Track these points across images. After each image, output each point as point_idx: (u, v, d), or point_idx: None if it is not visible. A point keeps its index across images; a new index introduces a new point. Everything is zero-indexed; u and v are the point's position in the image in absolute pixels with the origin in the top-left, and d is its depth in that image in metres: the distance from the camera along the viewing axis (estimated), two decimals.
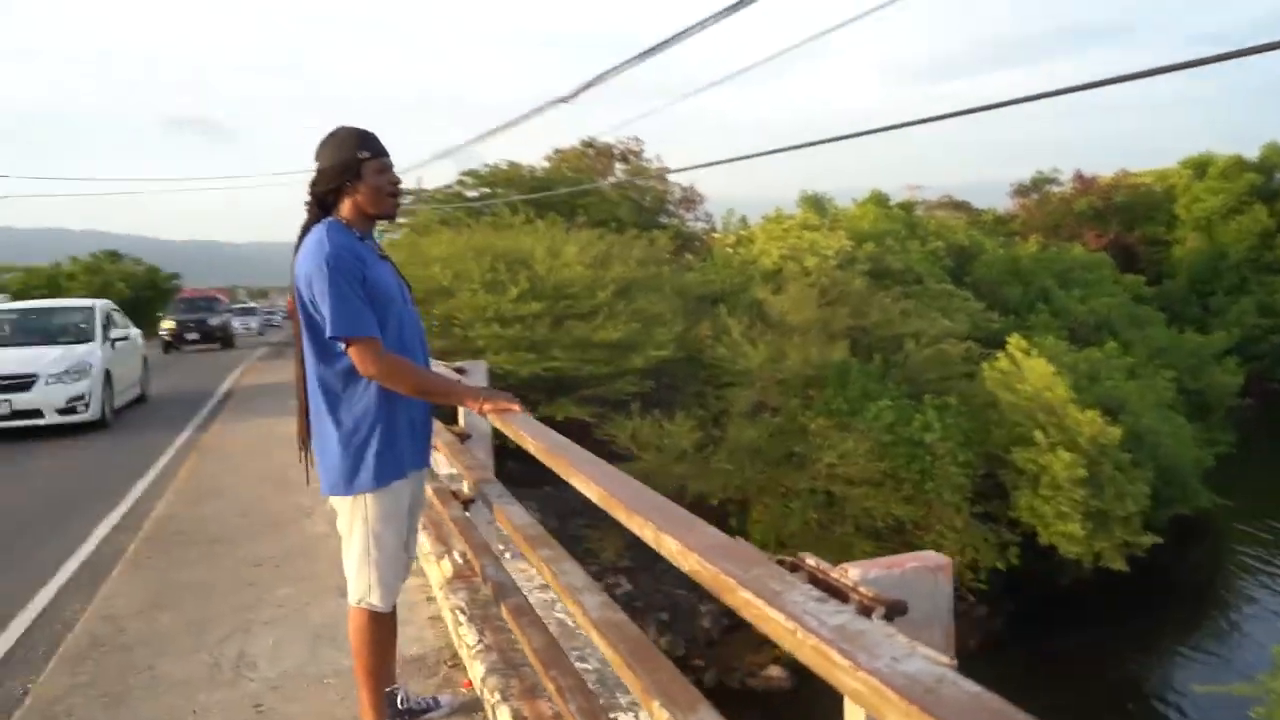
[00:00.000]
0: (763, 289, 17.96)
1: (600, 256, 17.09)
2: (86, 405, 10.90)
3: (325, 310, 2.76)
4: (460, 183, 27.88)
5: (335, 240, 2.81)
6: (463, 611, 4.01)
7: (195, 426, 11.38)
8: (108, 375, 11.54)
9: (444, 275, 15.00)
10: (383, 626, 3.06)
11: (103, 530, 6.52)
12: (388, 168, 2.91)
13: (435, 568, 4.69)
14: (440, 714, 3.44)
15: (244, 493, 7.03)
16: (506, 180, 27.41)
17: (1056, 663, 13.20)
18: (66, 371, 10.86)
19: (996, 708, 0.96)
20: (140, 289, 37.56)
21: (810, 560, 1.44)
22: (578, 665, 2.94)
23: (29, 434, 10.54)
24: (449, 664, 3.90)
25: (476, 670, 3.54)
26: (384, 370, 2.83)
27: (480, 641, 3.67)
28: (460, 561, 4.41)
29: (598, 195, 28.30)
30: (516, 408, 3.01)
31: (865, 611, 1.29)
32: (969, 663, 1.15)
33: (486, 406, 3.00)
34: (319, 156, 2.89)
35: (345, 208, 2.90)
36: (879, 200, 25.45)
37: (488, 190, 27.51)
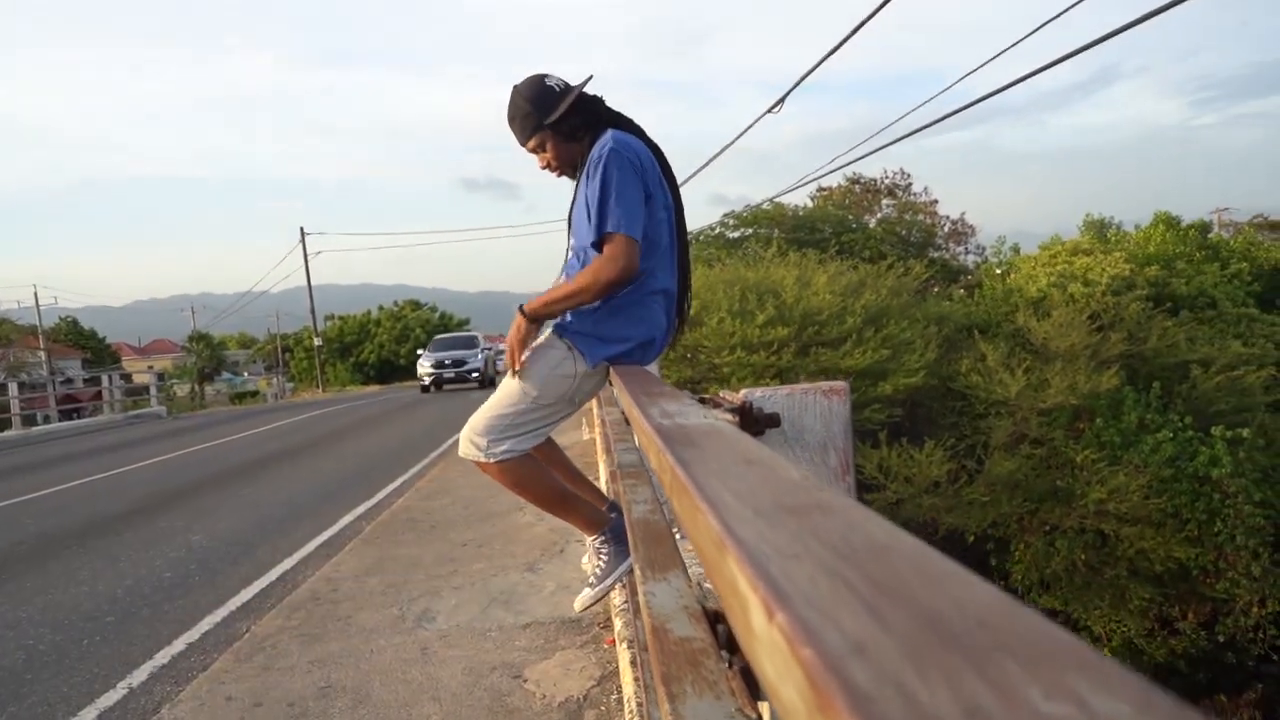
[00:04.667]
0: (1025, 316, 16.99)
1: (851, 285, 16.88)
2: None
3: None
4: (722, 224, 28.43)
5: None
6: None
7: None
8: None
9: (692, 306, 15.33)
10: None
11: (349, 518, 7.24)
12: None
13: None
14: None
15: (469, 492, 7.56)
16: (769, 220, 27.65)
17: None
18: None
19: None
20: (435, 333, 41.33)
21: (725, 394, 1.47)
22: None
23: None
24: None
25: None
26: None
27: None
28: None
29: (861, 232, 27.97)
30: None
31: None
32: None
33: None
34: None
35: None
36: (1168, 222, 23.34)
37: (749, 231, 27.91)
